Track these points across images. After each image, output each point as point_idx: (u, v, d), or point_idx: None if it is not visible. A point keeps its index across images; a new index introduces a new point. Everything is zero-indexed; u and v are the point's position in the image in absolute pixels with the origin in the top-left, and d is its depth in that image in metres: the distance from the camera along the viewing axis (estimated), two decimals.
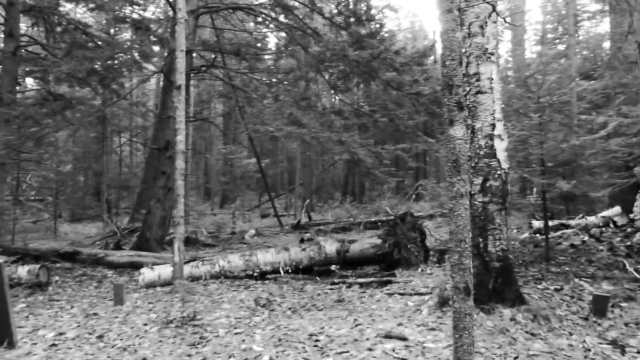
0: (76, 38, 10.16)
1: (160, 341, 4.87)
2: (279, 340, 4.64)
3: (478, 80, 5.38)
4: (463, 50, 5.58)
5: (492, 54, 5.49)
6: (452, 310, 2.73)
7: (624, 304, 5.58)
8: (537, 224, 9.18)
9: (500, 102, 5.50)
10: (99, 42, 12.33)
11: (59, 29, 12.69)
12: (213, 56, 11.83)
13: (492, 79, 5.38)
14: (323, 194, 26.99)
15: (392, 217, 9.12)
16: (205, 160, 29.92)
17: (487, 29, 5.44)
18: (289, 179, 25.55)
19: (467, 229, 2.73)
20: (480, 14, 5.40)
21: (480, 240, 5.23)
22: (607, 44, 18.52)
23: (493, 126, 5.32)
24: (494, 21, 5.39)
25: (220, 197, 27.78)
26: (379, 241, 7.79)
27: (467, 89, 5.48)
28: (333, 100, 13.37)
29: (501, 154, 5.30)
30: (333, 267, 8.04)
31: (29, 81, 17.94)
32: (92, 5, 13.19)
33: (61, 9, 13.45)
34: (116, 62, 13.21)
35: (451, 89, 2.82)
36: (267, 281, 7.59)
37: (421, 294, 5.93)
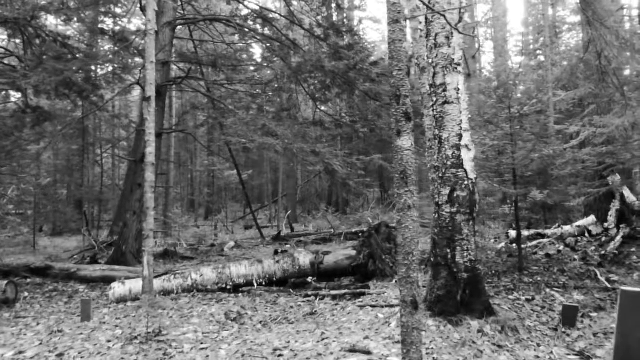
0: (48, 49, 10.02)
1: (122, 358, 4.75)
2: (243, 355, 4.55)
3: (445, 90, 5.39)
4: (430, 60, 5.59)
5: (459, 64, 5.50)
6: (400, 325, 2.68)
7: (593, 314, 5.57)
8: (514, 233, 9.17)
9: (468, 113, 5.50)
10: (78, 55, 12.23)
11: (37, 41, 12.57)
12: (191, 68, 11.78)
13: (458, 89, 5.39)
14: (307, 205, 26.91)
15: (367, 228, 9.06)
16: (190, 172, 29.74)
17: (453, 39, 5.45)
18: (273, 190, 25.45)
19: (415, 241, 2.69)
20: (447, 25, 5.41)
21: (448, 251, 5.20)
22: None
23: (460, 136, 5.32)
24: (460, 31, 5.39)
25: (205, 209, 27.58)
26: (353, 252, 7.73)
27: (434, 99, 5.48)
28: (317, 111, 13.37)
29: (468, 164, 5.28)
30: (309, 279, 7.97)
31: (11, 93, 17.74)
32: (74, 18, 13.12)
33: (39, 21, 13.35)
34: (96, 74, 13.11)
35: (399, 99, 2.79)
36: (240, 294, 7.48)
37: (392, 306, 5.86)
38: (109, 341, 5.31)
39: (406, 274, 2.67)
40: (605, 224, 8.64)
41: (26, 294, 8.08)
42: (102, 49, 19.33)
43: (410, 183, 2.72)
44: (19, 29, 12.17)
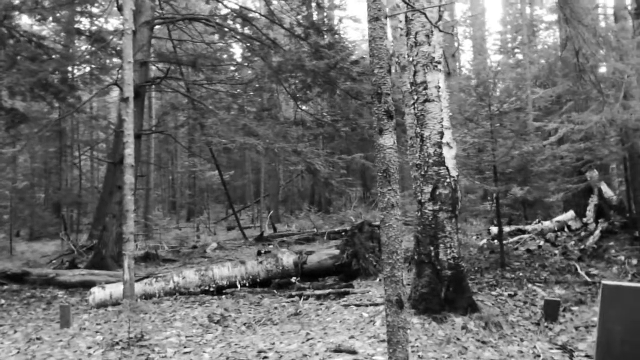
0: (22, 50, 9.79)
1: None
2: (227, 358, 4.49)
3: (425, 88, 5.40)
4: (410, 59, 5.60)
5: (439, 62, 5.51)
6: (385, 324, 2.66)
7: (574, 308, 5.65)
8: (495, 229, 9.26)
9: (448, 110, 5.53)
10: (53, 56, 11.97)
11: (11, 41, 12.26)
12: (169, 67, 11.63)
13: (439, 87, 5.40)
14: (290, 205, 26.80)
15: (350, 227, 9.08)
16: (171, 174, 29.40)
17: (433, 37, 5.47)
18: (256, 190, 25.31)
19: (399, 240, 2.68)
20: (427, 23, 5.42)
21: (432, 248, 5.21)
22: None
23: (441, 134, 5.33)
24: (440, 29, 5.41)
25: (186, 211, 27.27)
26: (337, 252, 7.72)
27: (415, 97, 5.49)
28: (298, 110, 13.35)
29: (450, 162, 5.31)
30: (293, 279, 7.93)
31: None
32: (48, 18, 12.84)
33: (12, 20, 13.02)
34: (72, 74, 12.86)
35: (380, 97, 2.77)
36: (223, 296, 7.41)
37: (377, 305, 5.86)
38: (89, 347, 5.20)
39: (391, 273, 2.65)
40: (584, 219, 8.77)
41: (2, 301, 7.87)
42: (78, 49, 18.98)
43: (393, 181, 2.70)
44: None
